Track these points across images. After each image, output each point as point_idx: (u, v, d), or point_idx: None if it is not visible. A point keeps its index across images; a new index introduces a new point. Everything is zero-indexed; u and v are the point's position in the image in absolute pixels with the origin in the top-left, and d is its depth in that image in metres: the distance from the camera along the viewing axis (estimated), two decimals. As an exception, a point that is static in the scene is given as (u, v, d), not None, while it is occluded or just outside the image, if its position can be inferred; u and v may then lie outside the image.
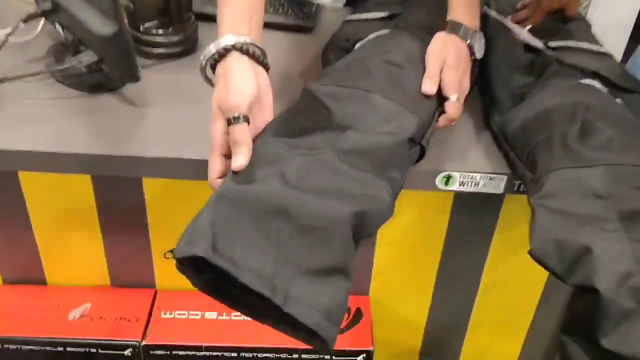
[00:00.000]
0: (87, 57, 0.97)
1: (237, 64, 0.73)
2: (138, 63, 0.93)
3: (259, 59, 0.76)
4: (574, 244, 0.72)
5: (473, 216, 1.05)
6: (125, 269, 1.10)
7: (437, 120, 0.86)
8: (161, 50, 1.10)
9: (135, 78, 0.94)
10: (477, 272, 1.12)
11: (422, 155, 0.83)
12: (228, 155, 0.72)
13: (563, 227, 0.75)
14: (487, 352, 1.24)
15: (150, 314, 1.08)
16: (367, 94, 0.78)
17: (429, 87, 0.84)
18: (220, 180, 0.71)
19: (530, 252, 0.76)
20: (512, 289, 1.14)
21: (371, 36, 0.97)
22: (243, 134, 0.70)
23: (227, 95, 0.71)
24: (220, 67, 0.74)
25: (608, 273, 0.69)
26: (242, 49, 0.73)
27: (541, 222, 0.77)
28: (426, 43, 0.89)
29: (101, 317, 1.06)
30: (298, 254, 0.64)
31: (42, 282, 1.11)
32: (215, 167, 0.72)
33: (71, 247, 1.07)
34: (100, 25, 0.89)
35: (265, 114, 0.76)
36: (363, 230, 0.69)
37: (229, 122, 0.70)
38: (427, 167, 0.90)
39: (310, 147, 0.72)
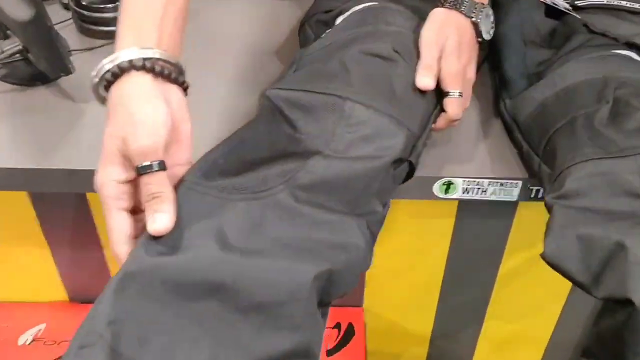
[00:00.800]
0: (11, 45, 0.81)
1: (138, 88, 0.53)
2: (87, 46, 0.79)
3: (171, 76, 0.55)
4: (603, 241, 0.57)
5: (482, 221, 0.88)
6: (81, 282, 0.97)
7: (434, 122, 0.69)
8: (111, 28, 0.93)
9: (65, 70, 0.78)
10: (489, 282, 0.96)
11: (411, 172, 0.66)
12: (135, 210, 0.54)
13: (588, 221, 0.59)
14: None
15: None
16: (341, 102, 0.59)
17: (424, 80, 0.65)
18: (127, 246, 0.52)
19: (543, 256, 0.60)
20: (529, 302, 0.98)
21: (356, 8, 0.78)
22: (162, 185, 0.52)
23: (133, 134, 0.51)
24: (115, 91, 0.53)
25: None
26: (146, 67, 0.53)
27: (559, 219, 0.61)
28: (425, 20, 0.70)
29: (55, 341, 0.93)
30: (244, 341, 0.47)
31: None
32: (117, 227, 0.52)
33: (19, 262, 0.93)
34: (16, 9, 0.72)
35: (183, 151, 0.56)
36: (333, 292, 0.53)
37: (139, 172, 0.51)
38: (422, 172, 0.74)
39: (258, 186, 0.54)
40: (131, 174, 0.52)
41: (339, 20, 0.80)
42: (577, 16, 0.80)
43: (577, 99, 0.69)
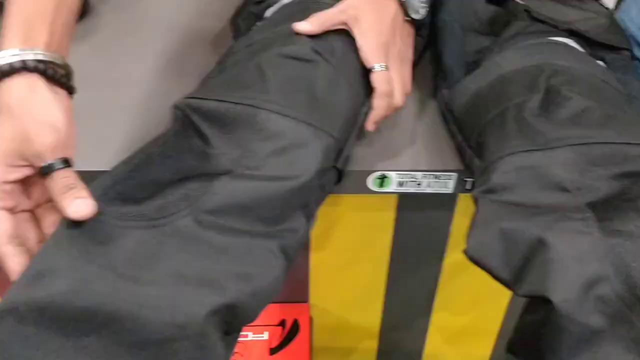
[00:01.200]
0: None
1: (32, 89, 0.50)
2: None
3: (61, 80, 0.52)
4: (525, 236, 0.53)
5: (423, 213, 0.86)
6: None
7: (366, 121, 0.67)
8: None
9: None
10: (434, 274, 0.94)
11: (340, 177, 0.63)
12: (14, 210, 0.51)
13: (512, 215, 0.56)
14: (451, 356, 1.08)
15: None
16: (255, 113, 0.55)
17: (304, 25, 0.63)
18: (9, 247, 0.49)
19: (466, 252, 0.57)
20: (476, 293, 0.97)
21: (285, 1, 0.75)
22: (75, 178, 0.50)
23: (37, 134, 0.49)
24: (4, 92, 0.50)
25: (568, 278, 0.50)
26: (38, 69, 0.50)
27: (483, 214, 0.58)
28: None
29: None
30: None
31: None
32: None
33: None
34: None
35: (69, 154, 0.52)
36: (238, 323, 0.51)
37: (47, 169, 0.49)
38: (356, 166, 0.72)
39: (157, 212, 0.50)
40: (18, 175, 0.50)
41: (267, 13, 0.77)
42: (519, 1, 0.78)
43: (510, 88, 0.66)
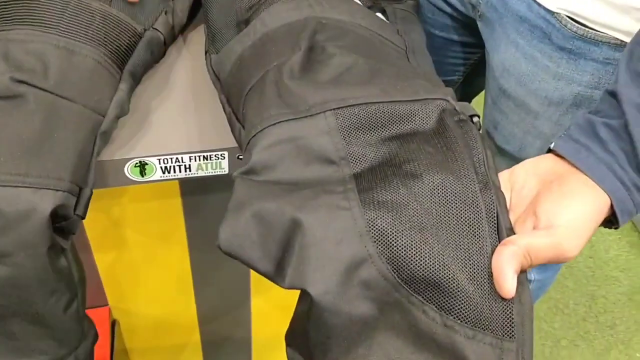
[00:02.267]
0: None
1: None
2: None
3: None
4: (279, 218, 0.46)
5: (212, 195, 0.78)
6: None
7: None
8: None
9: None
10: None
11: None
12: None
13: (267, 194, 0.48)
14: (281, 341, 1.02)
15: None
16: None
17: None
18: None
19: (219, 246, 0.48)
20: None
21: None
22: None
23: None
24: None
25: (326, 264, 0.43)
26: None
27: (237, 196, 0.49)
28: None
29: None
30: None
31: None
32: None
33: None
34: None
35: None
36: None
37: None
38: (107, 155, 0.62)
39: None
40: None
41: None
42: None
43: (272, 48, 0.58)
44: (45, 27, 0.58)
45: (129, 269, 0.84)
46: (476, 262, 0.44)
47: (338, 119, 0.50)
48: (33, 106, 0.52)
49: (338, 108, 0.51)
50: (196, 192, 0.76)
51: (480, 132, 0.51)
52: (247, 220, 0.47)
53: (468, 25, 0.79)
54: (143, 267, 0.84)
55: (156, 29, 0.68)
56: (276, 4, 0.63)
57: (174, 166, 0.65)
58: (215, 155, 0.65)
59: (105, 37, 0.61)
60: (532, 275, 0.95)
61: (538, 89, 0.68)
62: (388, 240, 0.44)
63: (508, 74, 0.71)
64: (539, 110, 0.69)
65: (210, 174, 0.66)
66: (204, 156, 0.65)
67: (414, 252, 0.43)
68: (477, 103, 0.79)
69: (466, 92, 0.94)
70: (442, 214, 0.45)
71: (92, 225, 0.77)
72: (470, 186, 0.46)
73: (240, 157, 0.66)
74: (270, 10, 0.62)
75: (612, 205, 0.46)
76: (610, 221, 0.48)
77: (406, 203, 0.45)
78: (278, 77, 0.55)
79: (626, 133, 0.46)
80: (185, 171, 0.65)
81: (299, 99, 0.52)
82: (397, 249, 0.43)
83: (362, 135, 0.50)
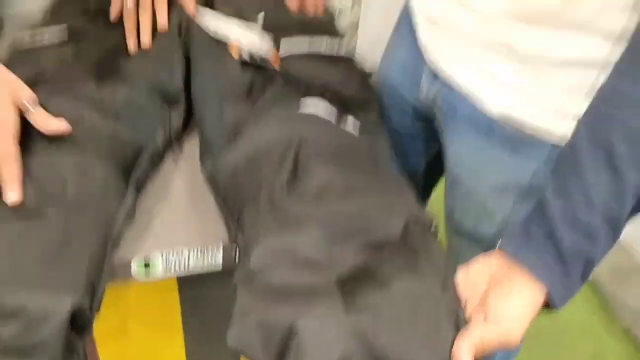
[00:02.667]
0: None
1: None
2: None
3: None
4: (278, 324, 0.55)
5: (208, 285, 0.85)
6: None
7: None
8: None
9: None
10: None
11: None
12: None
13: (267, 302, 0.57)
14: None
15: None
16: None
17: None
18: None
19: (228, 342, 0.58)
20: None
21: None
22: None
23: None
24: None
25: None
26: None
27: (242, 303, 0.59)
28: None
29: None
30: None
31: None
32: None
33: None
34: None
35: None
36: None
37: None
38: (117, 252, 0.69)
39: None
40: None
41: None
42: (270, 66, 0.79)
43: (263, 163, 0.68)
44: (65, 146, 0.66)
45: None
46: (440, 354, 0.54)
47: (322, 230, 0.60)
48: (53, 222, 0.60)
49: (321, 221, 0.61)
50: (193, 286, 0.83)
51: (442, 219, 0.62)
52: (251, 327, 0.57)
53: (429, 122, 0.87)
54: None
55: (156, 140, 0.77)
56: (262, 121, 0.72)
57: (175, 260, 0.72)
58: (209, 249, 0.72)
59: (112, 153, 0.70)
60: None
61: (487, 179, 0.75)
62: (369, 340, 0.53)
63: (461, 164, 0.78)
64: (488, 198, 0.76)
65: (206, 269, 0.73)
66: (200, 250, 0.72)
67: (391, 349, 0.53)
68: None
69: (429, 179, 1.03)
70: (412, 313, 0.55)
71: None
72: (433, 289, 0.57)
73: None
74: (260, 125, 0.72)
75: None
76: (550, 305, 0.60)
77: (382, 306, 0.55)
78: (270, 192, 0.64)
79: (552, 239, 0.58)
80: (184, 267, 0.72)
81: (287, 213, 0.62)
82: (378, 347, 0.53)
83: (342, 243, 0.60)
